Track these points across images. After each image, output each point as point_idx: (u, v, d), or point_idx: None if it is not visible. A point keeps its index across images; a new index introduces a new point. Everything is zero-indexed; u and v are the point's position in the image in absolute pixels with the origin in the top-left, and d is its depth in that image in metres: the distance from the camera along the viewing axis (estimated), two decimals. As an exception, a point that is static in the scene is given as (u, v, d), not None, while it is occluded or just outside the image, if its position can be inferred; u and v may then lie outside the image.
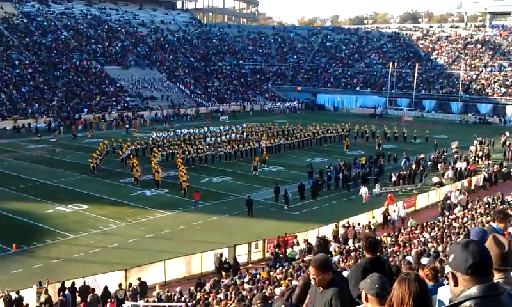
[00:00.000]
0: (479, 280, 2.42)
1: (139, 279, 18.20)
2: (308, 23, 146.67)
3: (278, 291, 12.88)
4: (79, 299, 17.69)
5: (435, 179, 34.16)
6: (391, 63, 77.05)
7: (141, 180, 33.12)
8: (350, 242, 22.02)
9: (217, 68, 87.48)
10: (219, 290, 15.77)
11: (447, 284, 2.76)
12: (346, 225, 23.56)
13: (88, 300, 17.05)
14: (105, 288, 17.78)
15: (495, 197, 26.64)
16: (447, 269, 6.02)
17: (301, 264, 17.96)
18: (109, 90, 70.12)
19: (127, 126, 57.09)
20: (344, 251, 19.29)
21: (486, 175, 34.39)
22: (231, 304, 12.99)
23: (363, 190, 30.24)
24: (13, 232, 23.94)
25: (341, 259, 17.53)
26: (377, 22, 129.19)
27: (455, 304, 2.43)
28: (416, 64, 77.74)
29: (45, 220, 25.90)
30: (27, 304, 16.38)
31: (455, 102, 72.50)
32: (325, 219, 25.66)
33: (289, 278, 15.37)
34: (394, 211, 26.26)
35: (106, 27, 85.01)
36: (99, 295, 17.43)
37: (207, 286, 17.21)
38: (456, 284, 2.48)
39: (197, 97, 76.72)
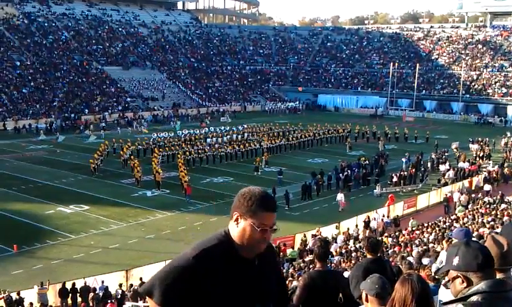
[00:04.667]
0: (489, 275, 2.42)
1: (140, 279, 18.21)
2: (308, 24, 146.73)
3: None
4: (79, 299, 17.73)
5: (442, 167, 34.59)
6: (392, 63, 77.02)
7: (142, 180, 33.15)
8: (351, 242, 22.01)
9: (217, 69, 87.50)
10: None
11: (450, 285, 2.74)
12: (315, 233, 22.72)
13: (89, 299, 17.08)
14: (106, 289, 17.80)
15: (496, 198, 26.64)
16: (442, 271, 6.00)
17: (301, 264, 17.96)
18: (110, 91, 70.19)
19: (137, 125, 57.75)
20: (344, 252, 19.27)
21: (487, 175, 34.37)
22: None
23: (339, 197, 28.69)
24: (14, 233, 23.96)
25: (342, 260, 17.52)
26: (377, 22, 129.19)
27: (463, 298, 2.43)
28: (417, 64, 77.72)
29: (46, 221, 25.92)
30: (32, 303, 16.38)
31: (456, 102, 72.48)
32: (325, 219, 25.67)
33: (290, 278, 15.36)
34: (375, 219, 25.57)
35: (107, 27, 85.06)
36: (100, 295, 17.45)
37: None
38: (469, 284, 2.47)
39: (198, 98, 76.80)
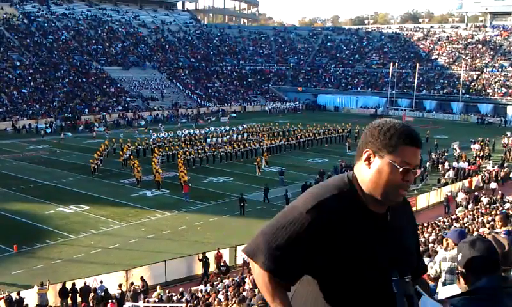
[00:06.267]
0: (488, 275, 2.43)
1: (141, 278, 18.23)
2: (308, 24, 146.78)
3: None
4: (79, 299, 17.73)
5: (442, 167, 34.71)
6: (391, 63, 77.02)
7: (142, 180, 33.16)
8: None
9: (217, 69, 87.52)
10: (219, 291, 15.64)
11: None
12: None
13: (90, 299, 17.08)
14: (106, 290, 17.80)
15: (496, 198, 26.65)
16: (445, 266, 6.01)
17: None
18: (110, 91, 70.19)
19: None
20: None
21: (487, 175, 34.37)
22: (232, 305, 12.97)
23: None
24: (14, 233, 23.96)
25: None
26: (377, 22, 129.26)
27: (467, 292, 2.44)
28: (417, 64, 77.74)
29: (46, 221, 25.92)
30: (27, 305, 16.40)
31: (456, 102, 72.49)
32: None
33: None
34: None
35: (107, 27, 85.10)
36: (100, 295, 17.45)
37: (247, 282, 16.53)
38: (467, 282, 2.49)
39: (197, 97, 76.79)
